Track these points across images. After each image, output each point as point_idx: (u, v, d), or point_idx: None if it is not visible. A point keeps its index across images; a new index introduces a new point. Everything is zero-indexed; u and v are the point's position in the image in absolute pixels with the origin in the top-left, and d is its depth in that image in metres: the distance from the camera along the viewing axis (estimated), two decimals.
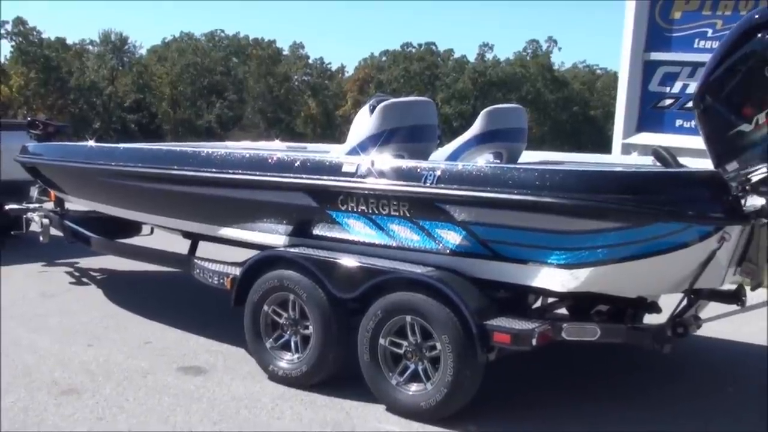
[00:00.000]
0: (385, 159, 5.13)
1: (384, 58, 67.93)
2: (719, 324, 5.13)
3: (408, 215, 4.88)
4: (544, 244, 4.47)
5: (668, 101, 10.06)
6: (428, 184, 4.75)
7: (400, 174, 4.91)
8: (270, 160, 5.54)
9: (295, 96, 63.41)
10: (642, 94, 10.22)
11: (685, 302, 4.87)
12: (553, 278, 4.50)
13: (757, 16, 4.41)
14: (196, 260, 6.14)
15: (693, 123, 9.98)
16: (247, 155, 5.77)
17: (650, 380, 5.63)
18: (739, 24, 4.50)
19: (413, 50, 67.38)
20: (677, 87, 9.95)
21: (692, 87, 9.92)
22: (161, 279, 8.31)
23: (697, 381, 5.68)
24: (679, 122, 10.00)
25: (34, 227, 8.88)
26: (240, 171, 5.59)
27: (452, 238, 4.75)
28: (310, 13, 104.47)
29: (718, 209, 4.32)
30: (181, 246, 6.79)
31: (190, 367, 5.60)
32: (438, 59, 67.38)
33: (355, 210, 5.10)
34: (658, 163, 4.91)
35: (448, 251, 4.79)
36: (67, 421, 4.62)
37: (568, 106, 64.29)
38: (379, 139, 5.36)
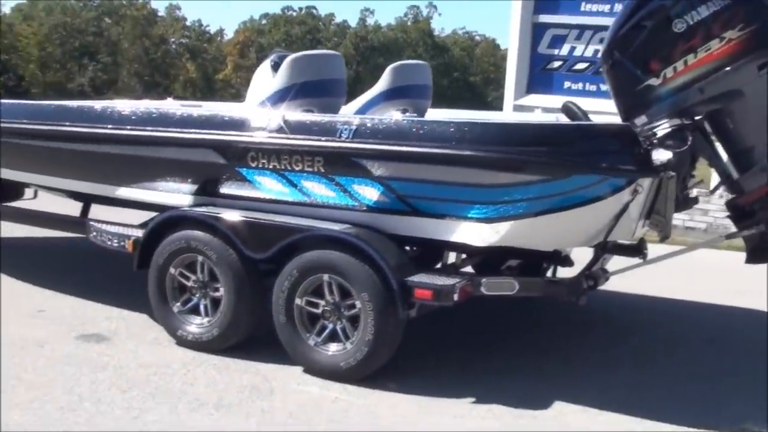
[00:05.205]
0: (298, 113, 4.96)
1: (264, 22, 66.51)
2: (621, 278, 5.27)
3: (323, 171, 4.74)
4: (463, 199, 4.43)
5: (557, 63, 10.27)
6: (344, 139, 4.62)
7: (315, 129, 4.76)
8: (173, 115, 5.27)
9: (173, 59, 61.29)
10: (531, 57, 10.37)
11: (592, 256, 4.99)
12: (473, 233, 4.47)
13: None
14: (92, 222, 5.76)
15: (581, 85, 10.34)
16: (148, 110, 5.46)
17: (557, 335, 5.76)
18: None
19: (294, 14, 66.33)
20: (565, 49, 10.17)
21: (579, 49, 10.20)
22: (46, 245, 7.84)
23: (603, 334, 5.84)
24: (567, 84, 10.25)
25: None
26: (141, 127, 5.29)
27: (369, 194, 4.64)
28: None
29: (630, 162, 4.39)
30: (70, 210, 6.46)
31: (90, 335, 5.28)
32: (319, 23, 66.61)
33: (266, 167, 4.91)
34: (566, 118, 4.96)
35: (365, 208, 4.67)
36: None
37: (448, 71, 64.89)
38: (288, 93, 5.18)
